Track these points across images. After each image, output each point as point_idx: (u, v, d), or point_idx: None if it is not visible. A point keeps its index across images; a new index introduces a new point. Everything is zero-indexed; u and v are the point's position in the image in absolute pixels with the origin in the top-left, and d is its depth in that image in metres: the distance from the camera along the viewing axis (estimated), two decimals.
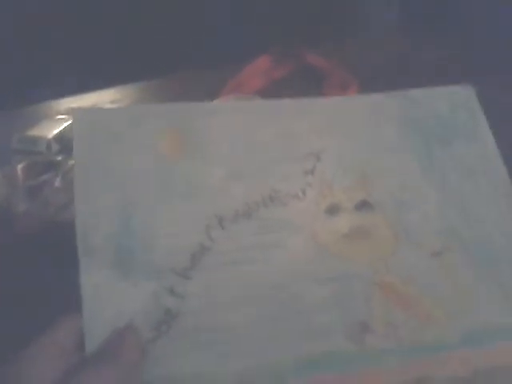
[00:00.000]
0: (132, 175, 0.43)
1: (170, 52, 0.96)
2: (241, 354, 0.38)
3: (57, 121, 0.82)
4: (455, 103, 0.50)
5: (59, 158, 0.77)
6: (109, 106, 0.90)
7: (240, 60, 0.92)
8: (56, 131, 0.80)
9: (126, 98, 0.96)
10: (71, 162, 0.77)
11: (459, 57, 0.92)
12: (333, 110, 0.49)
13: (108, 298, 0.39)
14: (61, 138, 0.79)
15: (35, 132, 0.79)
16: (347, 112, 0.49)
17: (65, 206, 0.70)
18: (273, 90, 0.90)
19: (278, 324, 0.40)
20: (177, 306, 0.40)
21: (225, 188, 0.44)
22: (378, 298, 0.41)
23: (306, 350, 0.38)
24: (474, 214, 0.45)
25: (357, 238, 0.44)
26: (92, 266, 0.40)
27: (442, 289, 0.41)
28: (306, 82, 0.94)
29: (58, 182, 0.73)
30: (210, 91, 0.78)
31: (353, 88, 0.90)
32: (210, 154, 0.45)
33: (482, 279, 0.42)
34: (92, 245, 0.40)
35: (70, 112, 0.82)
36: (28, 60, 1.00)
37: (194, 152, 0.45)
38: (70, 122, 0.82)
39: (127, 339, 0.38)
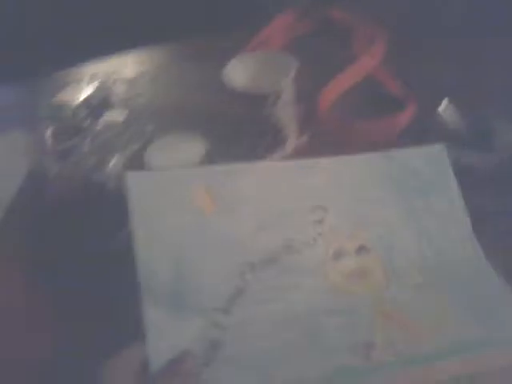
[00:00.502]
0: (178, 230, 0.54)
1: (188, 15, 0.92)
2: (275, 373, 0.48)
3: (83, 86, 0.82)
4: (429, 160, 0.61)
5: (87, 123, 0.78)
6: (131, 69, 0.89)
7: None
8: (82, 96, 0.80)
9: (147, 61, 0.95)
10: (99, 127, 0.79)
11: None
12: (333, 169, 0.60)
13: (165, 331, 0.49)
14: (87, 102, 0.79)
15: (62, 98, 0.79)
16: (344, 171, 0.61)
17: (94, 168, 0.73)
18: (298, 46, 0.89)
19: (301, 347, 0.50)
20: (220, 337, 0.50)
21: (252, 239, 0.55)
22: (379, 323, 0.52)
23: (323, 367, 0.48)
24: (446, 252, 0.56)
25: (358, 277, 0.55)
26: (152, 305, 0.50)
27: (426, 312, 0.52)
28: (332, 38, 0.92)
29: (86, 146, 0.75)
30: (227, 52, 0.78)
31: (380, 41, 0.88)
32: (236, 208, 0.56)
33: (455, 304, 0.52)
34: (152, 288, 0.51)
35: (93, 77, 0.83)
36: (53, 26, 0.96)
37: (223, 207, 0.56)
38: (95, 86, 0.83)
39: (186, 361, 0.47)
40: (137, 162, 0.77)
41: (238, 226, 0.55)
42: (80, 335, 0.57)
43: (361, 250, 0.56)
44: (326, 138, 0.76)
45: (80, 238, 0.65)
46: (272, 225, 0.56)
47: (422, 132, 0.73)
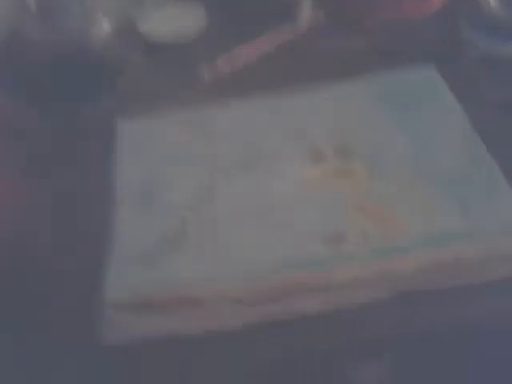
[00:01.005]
0: (157, 154, 0.58)
1: None
2: (240, 259, 0.47)
3: None
4: (419, 78, 0.61)
5: None
6: None
7: None
8: None
9: None
10: None
11: None
12: (313, 96, 0.61)
13: (134, 224, 0.51)
14: None
15: None
16: (328, 93, 0.61)
17: (81, 30, 0.69)
18: None
19: (269, 235, 0.48)
20: (186, 228, 0.50)
21: (225, 151, 0.57)
22: (354, 214, 0.49)
23: (290, 253, 0.47)
24: (437, 150, 0.53)
25: (338, 177, 0.53)
26: (125, 205, 0.53)
27: (408, 205, 0.49)
28: None
29: (73, 7, 0.70)
30: None
31: None
32: (214, 135, 0.58)
33: (443, 197, 0.49)
34: (124, 191, 0.54)
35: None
36: None
37: (204, 136, 0.59)
38: None
39: None
40: (128, 28, 0.72)
41: (213, 144, 0.57)
42: None
43: (341, 152, 0.54)
44: (342, 14, 0.70)
45: (60, 101, 0.63)
46: (248, 142, 0.57)
47: (455, 17, 0.67)
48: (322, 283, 0.45)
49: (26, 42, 0.68)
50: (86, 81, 0.64)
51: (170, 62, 0.68)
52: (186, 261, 0.48)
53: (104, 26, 0.70)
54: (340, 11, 0.70)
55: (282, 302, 0.45)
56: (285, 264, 0.46)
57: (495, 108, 0.57)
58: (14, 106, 0.63)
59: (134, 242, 0.50)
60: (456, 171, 0.51)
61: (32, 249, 0.51)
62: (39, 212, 0.54)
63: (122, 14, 0.73)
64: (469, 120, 0.56)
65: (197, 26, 0.70)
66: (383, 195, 0.50)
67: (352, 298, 0.45)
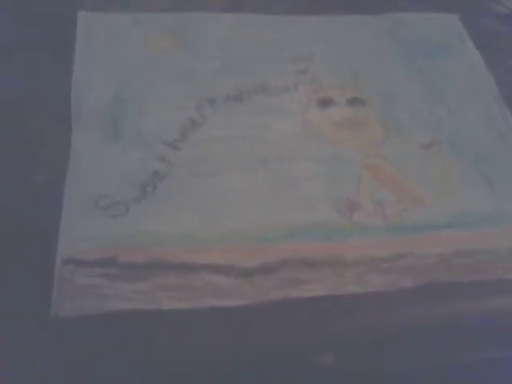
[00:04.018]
0: (126, 63, 0.47)
1: None
2: (225, 218, 0.38)
3: None
4: (442, 26, 0.55)
5: None
6: None
7: None
8: None
9: None
10: None
11: None
12: (324, 24, 0.53)
13: (94, 159, 0.40)
14: None
15: None
16: (339, 27, 0.53)
17: None
18: None
19: (267, 193, 0.40)
20: (164, 170, 0.40)
21: (216, 77, 0.47)
22: (367, 179, 0.42)
23: (295, 220, 0.39)
24: (462, 114, 0.47)
25: (348, 128, 0.46)
26: (82, 130, 0.42)
27: (428, 176, 0.43)
28: None
29: None
30: None
31: None
32: (201, 51, 0.49)
33: (467, 171, 0.44)
34: (83, 111, 0.43)
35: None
36: None
37: (186, 50, 0.49)
38: None
39: None
40: None
41: (201, 65, 0.48)
42: None
43: (353, 101, 0.47)
44: None
45: None
46: (242, 67, 0.48)
47: None
48: (332, 258, 0.37)
49: None
50: None
51: None
52: (159, 212, 0.38)
53: None
54: None
55: (282, 279, 0.36)
56: (287, 231, 0.38)
57: None
58: None
59: (95, 182, 0.39)
60: (481, 142, 0.45)
61: None
62: None
63: None
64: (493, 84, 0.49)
65: None
66: (399, 157, 0.43)
67: (366, 280, 0.37)
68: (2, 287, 0.33)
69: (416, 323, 0.37)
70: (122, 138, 0.42)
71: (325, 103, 0.46)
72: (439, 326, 0.37)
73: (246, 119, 0.44)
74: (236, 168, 0.41)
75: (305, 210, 0.39)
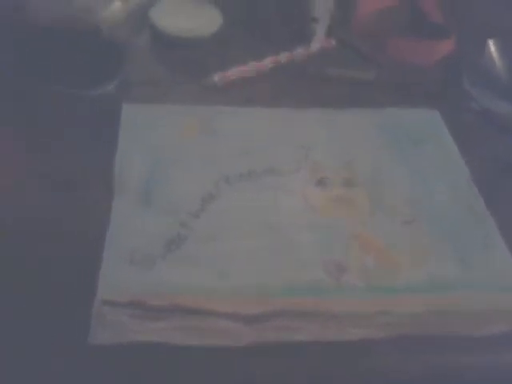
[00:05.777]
0: (159, 146, 0.56)
1: None
2: (234, 275, 0.46)
3: None
4: (424, 120, 0.63)
5: None
6: None
7: None
8: None
9: None
10: None
11: None
12: (324, 117, 0.62)
13: (130, 221, 0.49)
14: None
15: None
16: (336, 119, 0.62)
17: (85, 8, 0.66)
18: None
19: (270, 255, 0.48)
20: (186, 233, 0.49)
21: (232, 160, 0.56)
22: (354, 247, 0.50)
23: (292, 278, 0.47)
24: (438, 195, 0.55)
25: (341, 204, 0.54)
26: (122, 197, 0.51)
27: (407, 247, 0.50)
28: None
29: None
30: None
31: None
32: (221, 138, 0.58)
33: (441, 243, 0.51)
34: (124, 183, 0.52)
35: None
36: None
37: (209, 136, 0.58)
38: None
39: None
40: (140, 15, 0.71)
41: (220, 149, 0.57)
42: None
43: (346, 182, 0.55)
44: (355, 47, 0.71)
45: (64, 81, 0.59)
46: (255, 153, 0.57)
47: (458, 69, 0.69)
48: (320, 312, 0.45)
49: (34, 14, 0.66)
50: (91, 61, 0.60)
51: (178, 57, 0.67)
52: (180, 268, 0.46)
53: (115, 8, 0.68)
54: (353, 43, 0.71)
55: (276, 326, 0.44)
56: (284, 287, 0.46)
57: (490, 163, 0.59)
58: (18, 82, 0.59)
59: (129, 241, 0.47)
60: (454, 219, 0.53)
61: (26, 234, 0.48)
62: (35, 193, 0.51)
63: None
64: (467, 171, 0.57)
65: (211, 28, 0.68)
66: (383, 231, 0.51)
67: (347, 332, 0.44)
68: (52, 320, 0.42)
69: (386, 370, 0.44)
70: (153, 206, 0.50)
71: (322, 183, 0.54)
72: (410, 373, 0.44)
73: (255, 194, 0.52)
74: (244, 234, 0.49)
75: (300, 271, 0.47)
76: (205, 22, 0.69)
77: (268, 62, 0.67)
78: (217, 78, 0.64)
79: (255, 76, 0.66)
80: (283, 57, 0.68)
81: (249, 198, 0.52)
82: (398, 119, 0.63)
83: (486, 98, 0.66)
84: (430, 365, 0.44)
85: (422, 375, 0.44)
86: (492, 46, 0.70)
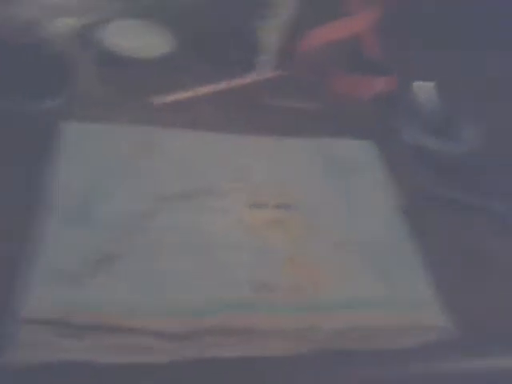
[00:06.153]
0: (98, 165, 0.57)
1: None
2: (164, 294, 0.47)
3: None
4: (358, 149, 0.66)
5: None
6: None
7: None
8: None
9: None
10: None
11: None
12: (263, 143, 0.64)
13: (63, 240, 0.49)
14: None
15: None
16: (275, 146, 0.64)
17: (32, 24, 0.67)
18: None
19: (201, 275, 0.49)
20: (117, 251, 0.49)
21: (170, 179, 0.57)
22: (285, 267, 0.51)
23: (219, 296, 0.48)
24: (367, 219, 0.58)
25: (275, 226, 0.55)
26: (51, 213, 0.51)
27: (336, 268, 0.52)
28: None
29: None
30: None
31: (377, 8, 0.84)
32: (160, 158, 0.59)
33: (367, 265, 0.53)
34: (59, 202, 0.52)
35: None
36: None
37: (149, 156, 0.59)
38: None
39: None
40: (87, 32, 0.71)
41: (158, 168, 0.58)
42: None
43: (281, 205, 0.57)
44: (299, 79, 0.74)
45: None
46: (193, 174, 0.58)
47: (393, 104, 0.73)
48: (245, 327, 0.46)
49: None
50: (33, 76, 0.61)
51: (124, 77, 0.68)
52: (110, 285, 0.46)
53: (63, 23, 0.70)
54: (295, 74, 0.74)
55: (202, 342, 0.45)
56: (210, 304, 0.47)
57: (417, 193, 0.62)
58: None
59: (59, 256, 0.47)
60: (379, 244, 0.55)
61: None
62: None
63: (86, 17, 0.72)
64: (396, 200, 0.60)
65: (160, 49, 0.70)
66: (314, 252, 0.53)
67: (272, 348, 0.46)
68: None
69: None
70: (88, 223, 0.50)
71: (257, 206, 0.56)
72: None
73: (190, 215, 0.53)
74: (178, 254, 0.50)
75: (230, 290, 0.48)
76: (154, 43, 0.71)
77: (211, 87, 0.68)
78: (161, 99, 0.65)
79: (201, 100, 0.67)
80: (230, 83, 0.69)
81: (184, 218, 0.53)
82: (334, 148, 0.65)
83: (415, 131, 0.70)
84: (352, 377, 0.46)
85: None
86: (420, 85, 0.74)
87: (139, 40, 0.70)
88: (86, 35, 0.70)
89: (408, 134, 0.69)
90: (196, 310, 0.46)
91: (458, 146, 0.69)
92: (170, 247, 0.50)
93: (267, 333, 0.46)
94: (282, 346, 0.46)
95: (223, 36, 0.75)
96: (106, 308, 0.44)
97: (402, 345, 0.48)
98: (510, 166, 0.68)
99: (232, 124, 0.65)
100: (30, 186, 0.52)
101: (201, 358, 0.44)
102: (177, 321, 0.45)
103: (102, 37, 0.69)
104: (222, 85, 0.69)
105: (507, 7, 0.87)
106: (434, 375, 0.48)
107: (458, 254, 0.56)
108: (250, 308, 0.47)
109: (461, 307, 0.49)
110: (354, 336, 0.48)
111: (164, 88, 0.66)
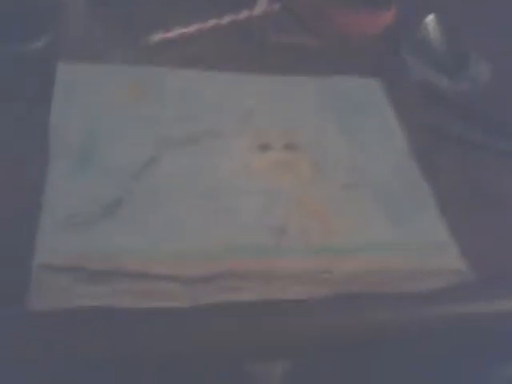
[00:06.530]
0: (99, 109, 0.54)
1: None
2: (176, 238, 0.46)
3: None
4: (365, 87, 0.64)
5: None
6: None
7: None
8: None
9: None
10: None
11: None
12: (266, 83, 0.61)
13: (67, 184, 0.47)
14: None
15: None
16: (279, 85, 0.62)
17: None
18: None
19: (211, 219, 0.48)
20: (126, 197, 0.48)
21: (172, 123, 0.55)
22: (295, 211, 0.50)
23: (233, 240, 0.47)
24: (377, 161, 0.57)
25: (282, 168, 0.54)
26: (58, 160, 0.49)
27: (346, 210, 0.52)
28: None
29: None
30: None
31: None
32: (161, 100, 0.56)
33: (378, 208, 0.52)
34: (59, 146, 0.50)
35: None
36: None
37: (150, 97, 0.57)
38: None
39: None
40: None
41: (161, 112, 0.56)
42: None
43: (288, 146, 0.56)
44: (298, 14, 0.71)
45: None
46: (196, 116, 0.56)
47: (399, 39, 0.71)
48: (262, 271, 0.45)
49: None
50: (18, 14, 0.57)
51: (116, 15, 0.64)
52: (121, 230, 0.45)
53: None
54: (296, 9, 0.71)
55: (219, 286, 0.44)
56: (226, 249, 0.46)
57: (427, 132, 0.61)
58: None
59: (67, 203, 0.46)
60: (390, 185, 0.54)
61: None
62: None
63: None
64: (404, 139, 0.59)
65: None
66: (323, 194, 0.52)
67: (287, 291, 0.45)
68: None
69: (330, 328, 0.45)
70: (92, 169, 0.48)
71: (263, 148, 0.55)
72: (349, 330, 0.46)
73: (196, 158, 0.52)
74: (185, 197, 0.49)
75: (241, 234, 0.47)
76: None
77: (211, 24, 0.65)
78: (157, 37, 0.62)
79: (197, 38, 0.64)
80: (226, 19, 0.66)
81: (190, 161, 0.52)
82: (340, 87, 0.63)
83: (424, 69, 0.68)
84: (367, 321, 0.46)
85: (360, 331, 0.46)
86: (430, 20, 0.72)
87: None
88: None
89: (416, 72, 0.67)
90: (209, 253, 0.45)
91: (468, 84, 0.68)
92: (177, 192, 0.49)
93: (282, 276, 0.46)
94: (297, 290, 0.45)
95: None
96: (122, 252, 0.43)
97: (418, 289, 0.48)
98: None
99: (233, 62, 0.62)
100: (27, 133, 0.50)
101: (218, 303, 0.43)
102: (191, 264, 0.44)
103: None
104: (222, 20, 0.66)
105: None
106: (450, 318, 0.48)
107: (471, 194, 0.55)
108: (264, 252, 0.46)
109: (477, 249, 0.49)
110: (369, 280, 0.47)
111: (161, 25, 0.63)
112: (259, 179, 0.52)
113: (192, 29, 0.64)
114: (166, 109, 0.56)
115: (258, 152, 0.54)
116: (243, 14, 0.68)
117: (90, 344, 0.40)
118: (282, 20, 0.70)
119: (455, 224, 0.52)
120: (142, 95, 0.56)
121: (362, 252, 0.49)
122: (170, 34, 0.62)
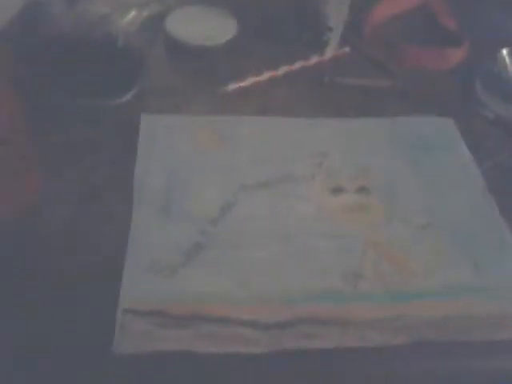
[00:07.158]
0: (179, 158, 0.57)
1: None
2: (254, 282, 0.47)
3: None
4: (438, 128, 0.64)
5: None
6: None
7: None
8: None
9: None
10: None
11: None
12: (338, 126, 0.63)
13: (150, 231, 0.50)
14: None
15: None
16: (350, 128, 0.63)
17: (104, 18, 0.68)
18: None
19: (287, 263, 0.49)
20: (205, 242, 0.50)
21: (249, 168, 0.57)
22: (370, 254, 0.51)
23: (310, 285, 0.48)
24: (452, 202, 0.56)
25: (355, 211, 0.55)
26: (141, 208, 0.52)
27: (422, 252, 0.51)
28: None
29: None
30: None
31: None
32: (237, 147, 0.59)
33: (455, 249, 0.52)
34: (143, 194, 0.53)
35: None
36: None
37: (226, 146, 0.59)
38: None
39: None
40: (154, 24, 0.72)
41: (237, 158, 0.58)
42: None
43: (361, 189, 0.56)
44: (368, 55, 0.72)
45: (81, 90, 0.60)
46: (271, 161, 0.58)
47: (472, 75, 0.70)
48: (339, 318, 0.45)
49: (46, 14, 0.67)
50: (109, 70, 0.62)
51: (193, 66, 0.67)
52: (201, 276, 0.47)
53: (131, 16, 0.70)
54: (365, 51, 0.72)
55: (299, 333, 0.45)
56: (304, 295, 0.47)
57: (504, 170, 0.59)
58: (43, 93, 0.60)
59: (150, 249, 0.48)
60: (468, 225, 0.53)
61: (45, 247, 0.48)
62: (55, 205, 0.52)
63: (150, 8, 0.72)
64: (481, 177, 0.58)
65: (225, 36, 0.69)
66: (398, 238, 0.52)
67: (366, 337, 0.45)
68: (76, 330, 0.43)
69: (406, 375, 0.45)
70: (173, 215, 0.51)
71: (336, 191, 0.55)
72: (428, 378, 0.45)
73: (272, 202, 0.53)
74: (262, 241, 0.50)
75: (318, 278, 0.48)
76: (219, 30, 0.70)
77: (282, 71, 0.67)
78: (231, 86, 0.64)
79: (269, 84, 0.66)
80: (297, 65, 0.68)
81: (266, 205, 0.53)
82: (412, 127, 0.63)
83: (500, 105, 0.66)
84: (445, 369, 0.45)
85: (438, 380, 0.45)
86: (505, 54, 0.71)
87: (204, 27, 0.70)
88: (153, 26, 0.70)
89: (489, 107, 0.65)
90: (286, 298, 0.46)
91: None
92: (254, 236, 0.50)
93: (360, 322, 0.46)
94: (377, 336, 0.45)
95: (287, 17, 0.73)
96: (203, 298, 0.45)
97: (497, 337, 0.46)
98: None
99: (303, 106, 0.64)
100: (114, 180, 0.53)
101: (296, 349, 0.44)
102: (270, 310, 0.45)
103: (168, 27, 0.69)
104: (291, 67, 0.68)
105: None
106: None
107: None
108: (342, 297, 0.47)
109: None
110: (449, 326, 0.46)
111: (232, 75, 0.66)
112: (333, 223, 0.53)
113: (264, 76, 0.66)
114: (242, 155, 0.58)
115: (332, 195, 0.55)
116: (313, 59, 0.69)
117: None
118: (351, 63, 0.71)
119: None
120: (219, 143, 0.59)
121: (437, 296, 0.48)
122: (244, 83, 0.65)
